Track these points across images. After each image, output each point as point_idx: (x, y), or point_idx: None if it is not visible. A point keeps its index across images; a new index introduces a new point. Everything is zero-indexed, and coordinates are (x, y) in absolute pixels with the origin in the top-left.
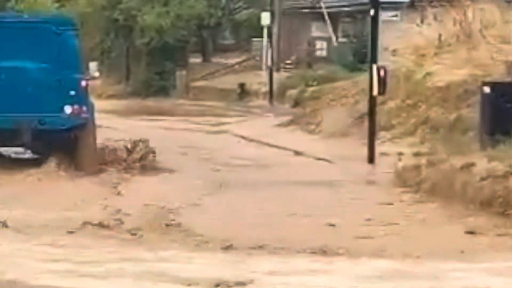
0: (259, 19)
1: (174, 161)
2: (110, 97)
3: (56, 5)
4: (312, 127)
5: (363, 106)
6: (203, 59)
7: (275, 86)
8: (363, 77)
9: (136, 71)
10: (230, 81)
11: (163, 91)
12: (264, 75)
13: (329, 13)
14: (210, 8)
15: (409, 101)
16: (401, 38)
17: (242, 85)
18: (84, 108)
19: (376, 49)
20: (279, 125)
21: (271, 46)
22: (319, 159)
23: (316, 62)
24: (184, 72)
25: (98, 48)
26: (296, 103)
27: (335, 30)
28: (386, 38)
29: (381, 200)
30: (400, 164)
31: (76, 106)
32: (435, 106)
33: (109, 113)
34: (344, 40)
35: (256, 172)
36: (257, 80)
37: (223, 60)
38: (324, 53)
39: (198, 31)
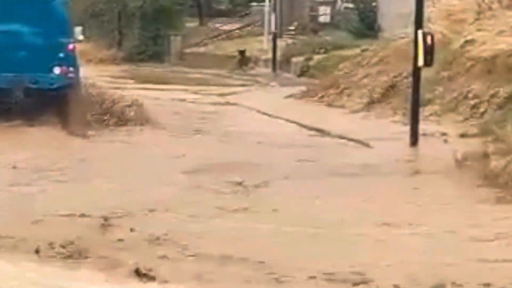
0: None
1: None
2: (101, 62)
3: None
4: (332, 99)
5: (389, 78)
6: (200, 24)
7: (278, 54)
8: (376, 45)
9: (128, 35)
10: (228, 48)
11: (157, 57)
12: (265, 41)
13: None
14: None
15: (444, 73)
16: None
17: (242, 52)
18: (72, 69)
19: (422, 12)
20: (291, 96)
21: (275, 10)
22: (352, 140)
23: (320, 29)
24: (179, 37)
25: (89, 12)
26: (302, 72)
27: None
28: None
29: (465, 198)
30: (459, 151)
31: (64, 67)
32: (478, 79)
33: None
34: (349, 5)
35: (287, 162)
36: (258, 47)
37: (221, 26)
38: (327, 19)
39: None
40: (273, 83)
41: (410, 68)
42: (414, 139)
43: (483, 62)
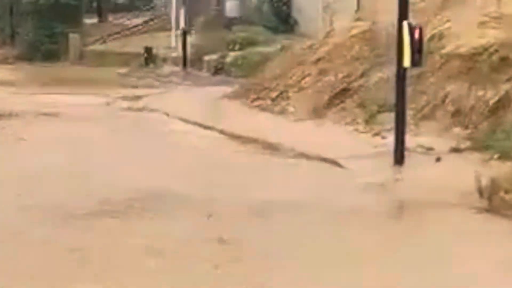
0: None
1: None
2: None
3: None
4: (268, 104)
5: (336, 78)
6: (99, 19)
7: (188, 51)
8: (297, 41)
9: (23, 32)
10: (132, 45)
11: (54, 56)
12: (173, 38)
13: None
14: None
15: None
16: None
17: (148, 49)
18: None
19: (407, 1)
20: (217, 99)
21: (185, 3)
22: (315, 158)
23: (229, 24)
24: (78, 35)
25: None
26: (217, 70)
27: None
28: None
29: None
30: (482, 175)
31: None
32: (453, 80)
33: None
34: None
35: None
36: (165, 44)
37: (123, 21)
38: (235, 13)
39: None
40: (187, 83)
41: (359, 67)
42: (399, 156)
43: (459, 60)
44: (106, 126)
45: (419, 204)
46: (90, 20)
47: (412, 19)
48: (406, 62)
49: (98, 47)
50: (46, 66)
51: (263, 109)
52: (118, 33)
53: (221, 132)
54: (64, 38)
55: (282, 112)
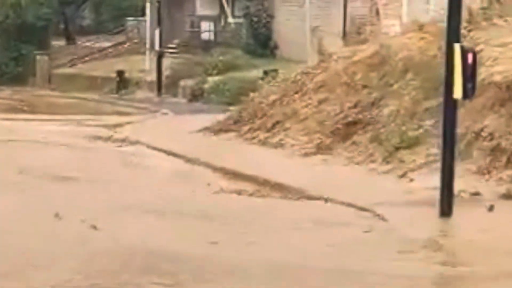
0: None
1: None
2: None
3: None
4: (264, 136)
5: (342, 108)
6: (67, 41)
7: (163, 75)
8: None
9: None
10: (103, 68)
11: (20, 79)
12: (147, 61)
13: None
14: None
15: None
16: None
17: (120, 73)
18: None
19: (459, 19)
20: (205, 129)
21: (159, 24)
22: (344, 203)
23: (205, 46)
24: (45, 57)
25: None
26: (194, 96)
27: (223, 9)
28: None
29: None
30: None
31: None
32: (487, 112)
33: None
34: (239, 20)
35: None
36: (138, 67)
37: (92, 43)
38: (211, 35)
39: (61, 8)
40: (164, 110)
41: (367, 96)
42: (447, 207)
43: (495, 89)
44: (84, 168)
45: (479, 275)
46: (57, 42)
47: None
48: (457, 92)
49: (67, 70)
50: (13, 90)
51: (261, 142)
52: (87, 55)
53: (222, 170)
54: (31, 61)
55: (281, 145)
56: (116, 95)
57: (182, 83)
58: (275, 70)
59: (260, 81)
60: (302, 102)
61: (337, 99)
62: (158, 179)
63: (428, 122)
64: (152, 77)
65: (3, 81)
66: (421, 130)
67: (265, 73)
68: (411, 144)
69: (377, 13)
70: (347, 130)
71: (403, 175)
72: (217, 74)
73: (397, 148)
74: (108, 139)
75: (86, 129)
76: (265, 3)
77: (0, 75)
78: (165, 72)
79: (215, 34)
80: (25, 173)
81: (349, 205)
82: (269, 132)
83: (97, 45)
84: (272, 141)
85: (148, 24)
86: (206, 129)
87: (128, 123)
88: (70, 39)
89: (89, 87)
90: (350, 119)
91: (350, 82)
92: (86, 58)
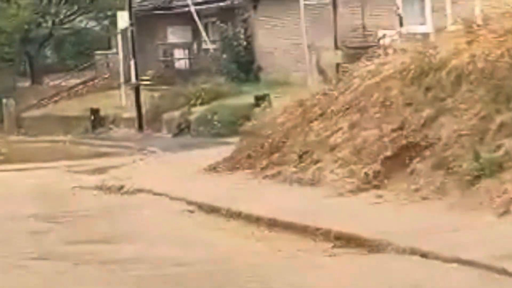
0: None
1: None
2: None
3: None
4: (289, 172)
5: (385, 132)
6: (33, 82)
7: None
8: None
9: None
10: (74, 108)
11: None
12: (122, 95)
13: (197, 12)
14: (37, 16)
15: None
16: None
17: (95, 111)
18: None
19: None
20: (213, 168)
21: (134, 56)
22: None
23: (180, 76)
24: (11, 100)
25: None
26: (180, 130)
27: (196, 35)
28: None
29: None
30: None
31: None
32: None
33: None
34: (213, 45)
35: None
36: (113, 103)
37: (60, 82)
38: (186, 64)
39: (23, 47)
40: (152, 148)
41: (411, 116)
42: None
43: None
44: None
45: None
46: (22, 84)
47: None
48: None
49: (35, 112)
50: None
51: (287, 180)
52: (56, 95)
53: (266, 222)
54: None
55: (317, 182)
56: (92, 135)
57: (165, 116)
58: (267, 95)
59: (256, 108)
60: (328, 128)
61: (372, 122)
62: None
63: (509, 142)
64: (130, 113)
65: None
66: (501, 152)
67: (257, 99)
68: (493, 170)
69: (399, 18)
70: (399, 158)
71: (504, 212)
72: (202, 104)
73: (476, 178)
74: (108, 189)
75: (74, 177)
76: (243, 24)
77: None
78: (144, 107)
79: (190, 62)
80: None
81: (471, 263)
82: (295, 166)
83: (64, 83)
84: (304, 178)
85: (120, 56)
86: (213, 167)
87: (116, 166)
88: (35, 79)
89: (61, 128)
90: (400, 143)
91: (385, 100)
92: (55, 98)
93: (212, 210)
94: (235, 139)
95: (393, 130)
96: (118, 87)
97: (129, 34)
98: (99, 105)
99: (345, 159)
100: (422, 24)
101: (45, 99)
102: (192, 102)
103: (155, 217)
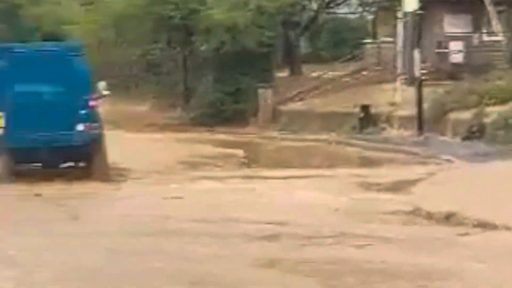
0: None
1: None
2: (163, 127)
3: (84, 8)
4: None
5: None
6: (291, 72)
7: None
8: None
9: (198, 90)
10: (338, 103)
11: (240, 118)
12: (399, 91)
13: None
14: None
15: None
16: None
17: (365, 108)
18: (94, 125)
19: None
20: None
21: (414, 47)
22: None
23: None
24: (269, 91)
25: (141, 62)
26: (471, 134)
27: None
28: None
29: None
30: None
31: (87, 124)
32: None
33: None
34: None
35: None
36: (383, 99)
37: (321, 74)
38: (460, 57)
39: (285, 32)
40: (445, 156)
41: None
42: None
43: None
44: None
45: None
46: (279, 74)
47: None
48: None
49: (294, 105)
50: (233, 132)
51: None
52: (317, 88)
53: None
54: (252, 96)
55: None
56: (360, 135)
57: (451, 116)
58: None
59: None
60: None
61: None
62: None
63: None
64: (406, 110)
65: (218, 121)
66: None
67: None
68: None
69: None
70: None
71: None
72: (495, 104)
73: None
74: (429, 217)
75: (369, 196)
76: None
77: (215, 114)
78: (424, 104)
79: (467, 55)
80: None
81: None
82: None
83: (326, 75)
84: None
85: (399, 44)
86: None
87: (410, 180)
88: (294, 70)
89: (324, 125)
90: None
91: None
92: (316, 91)
93: None
94: None
95: None
96: (393, 80)
97: (410, 21)
98: (369, 100)
99: None
100: None
101: (304, 91)
102: (486, 101)
103: None
